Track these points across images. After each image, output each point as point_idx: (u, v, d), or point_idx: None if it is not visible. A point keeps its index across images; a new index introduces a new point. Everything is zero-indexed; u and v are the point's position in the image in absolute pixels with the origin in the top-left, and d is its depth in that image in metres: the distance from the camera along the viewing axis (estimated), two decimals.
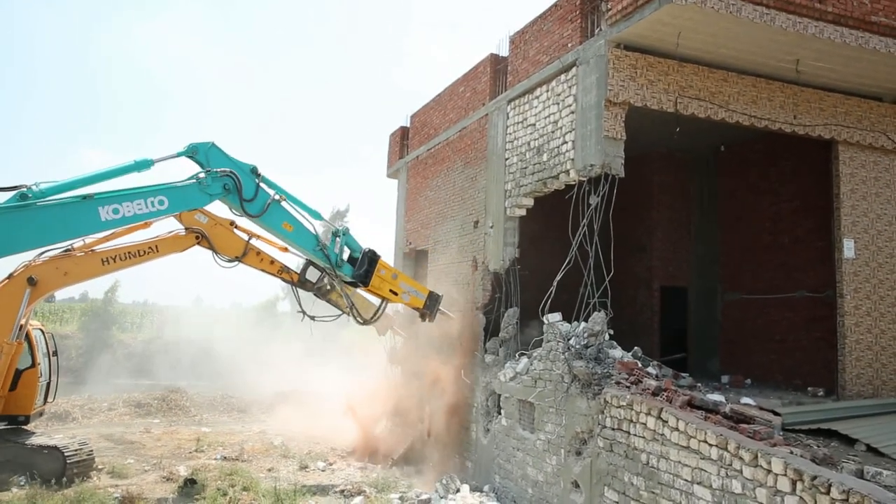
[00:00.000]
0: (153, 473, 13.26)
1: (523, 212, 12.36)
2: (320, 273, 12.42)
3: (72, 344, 36.24)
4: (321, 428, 18.45)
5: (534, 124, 11.76)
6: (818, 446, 7.92)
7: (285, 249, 12.80)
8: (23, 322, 11.05)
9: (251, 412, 22.71)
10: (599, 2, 10.24)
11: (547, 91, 11.41)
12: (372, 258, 11.80)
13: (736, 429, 7.05)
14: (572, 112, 10.63)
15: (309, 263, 12.55)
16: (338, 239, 11.70)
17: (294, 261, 13.35)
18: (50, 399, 13.63)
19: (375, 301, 12.82)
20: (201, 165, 10.49)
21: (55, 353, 13.60)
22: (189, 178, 10.27)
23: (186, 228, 11.84)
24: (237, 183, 10.42)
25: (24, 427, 12.51)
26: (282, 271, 12.48)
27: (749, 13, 8.71)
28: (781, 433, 7.85)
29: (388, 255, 19.91)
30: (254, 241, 12.43)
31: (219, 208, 11.16)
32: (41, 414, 14.17)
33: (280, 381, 25.71)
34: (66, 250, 11.21)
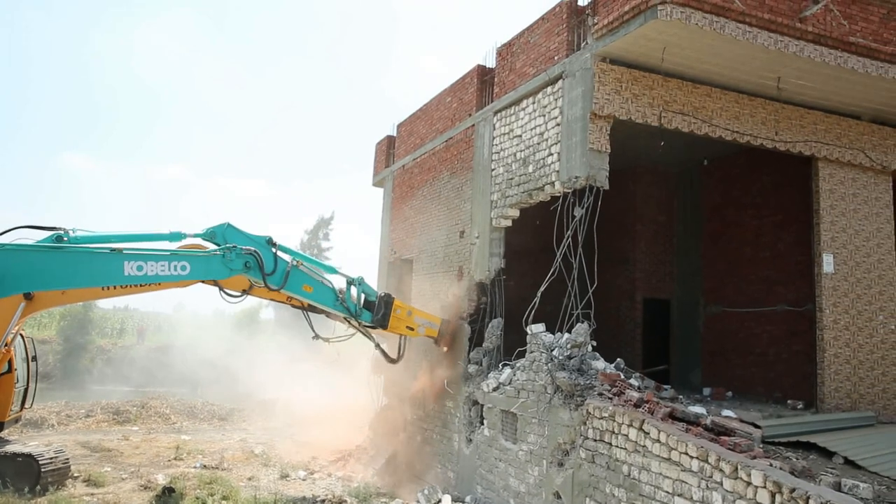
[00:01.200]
0: (131, 482, 13.06)
1: (509, 222, 12.41)
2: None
3: (50, 349, 35.68)
4: (303, 437, 18.32)
5: (520, 136, 11.83)
6: (797, 459, 8.01)
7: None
8: (13, 333, 10.98)
9: (232, 420, 22.47)
10: (586, 16, 10.37)
11: (533, 103, 11.50)
12: (388, 301, 12.41)
13: (717, 441, 7.11)
14: (558, 124, 10.72)
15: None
16: (353, 288, 12.22)
17: None
18: (27, 405, 13.39)
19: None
20: (219, 245, 11.03)
21: (34, 359, 13.38)
22: (216, 250, 10.84)
23: None
24: (259, 261, 10.88)
25: None
26: (291, 298, 12.53)
27: (732, 30, 8.86)
28: (761, 446, 7.91)
29: (372, 264, 19.95)
30: None
31: None
32: (17, 420, 13.92)
33: (262, 389, 25.50)
34: None
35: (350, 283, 12.24)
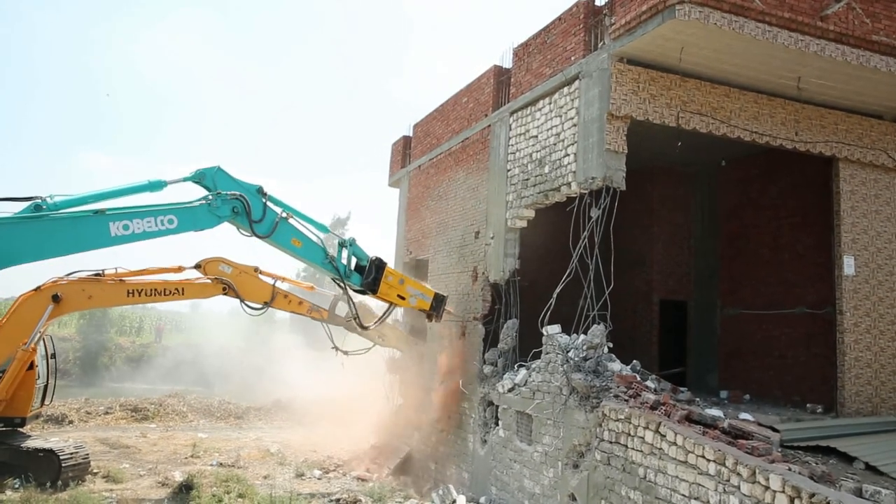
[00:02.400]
0: (148, 478, 13.21)
1: (524, 223, 12.38)
2: (350, 309, 12.68)
3: (70, 347, 36.20)
4: (318, 436, 18.41)
5: (536, 136, 11.80)
6: (817, 463, 7.90)
7: (311, 288, 13.09)
8: (39, 334, 11.14)
9: (248, 419, 22.64)
10: (603, 16, 10.32)
11: (550, 103, 11.47)
12: (379, 266, 12.06)
13: (734, 444, 7.04)
14: (574, 125, 10.68)
15: (337, 300, 12.92)
16: (345, 249, 11.93)
17: (315, 298, 13.75)
18: (47, 401, 13.62)
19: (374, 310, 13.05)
20: (209, 189, 10.81)
21: (53, 356, 13.60)
22: (199, 199, 10.52)
23: (214, 278, 11.91)
24: (246, 206, 10.69)
25: (20, 429, 12.49)
26: (311, 310, 12.68)
27: (751, 30, 8.77)
28: (780, 449, 7.82)
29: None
30: (279, 284, 12.59)
31: (233, 240, 11.21)
32: (38, 416, 14.15)
33: (277, 388, 25.66)
34: (96, 274, 11.40)
35: (342, 244, 11.99)
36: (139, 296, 11.33)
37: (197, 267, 12.12)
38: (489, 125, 13.64)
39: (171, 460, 15.20)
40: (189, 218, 10.37)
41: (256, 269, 12.54)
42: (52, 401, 14.20)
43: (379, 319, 13.05)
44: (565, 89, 11.01)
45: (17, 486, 11.36)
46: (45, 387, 13.25)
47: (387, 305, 12.97)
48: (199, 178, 10.81)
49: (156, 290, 11.49)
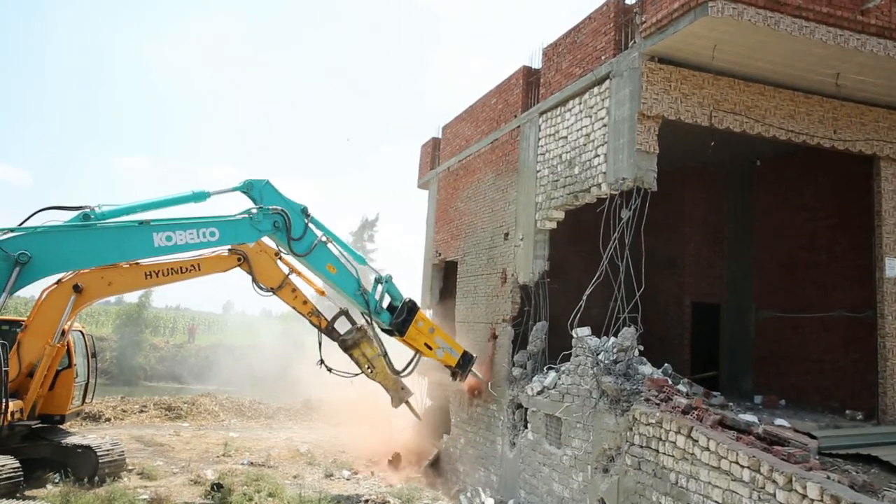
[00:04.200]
0: (181, 476, 13.43)
1: (554, 224, 12.28)
2: (350, 326, 12.15)
3: (106, 346, 37.10)
4: (347, 436, 18.51)
5: (566, 137, 11.71)
6: (857, 472, 7.66)
7: (322, 293, 12.88)
8: (66, 327, 11.39)
9: (278, 419, 22.91)
10: (633, 14, 10.19)
11: (579, 104, 11.36)
12: (412, 308, 11.92)
13: (769, 450, 6.87)
14: (605, 125, 10.56)
15: (342, 313, 12.34)
16: (380, 285, 11.87)
17: (323, 305, 13.29)
18: (88, 399, 13.94)
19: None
20: (254, 201, 11.03)
21: (94, 355, 13.91)
22: (241, 213, 10.69)
23: (230, 249, 11.97)
24: (287, 221, 10.80)
25: (60, 426, 12.82)
26: (312, 314, 12.09)
27: (787, 26, 8.56)
28: (818, 457, 7.60)
29: (416, 266, 20.05)
30: (293, 278, 12.22)
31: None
32: (78, 414, 14.49)
33: (307, 388, 25.89)
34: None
35: (378, 280, 11.89)
36: (157, 277, 11.33)
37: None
38: (518, 126, 13.57)
39: (203, 459, 15.44)
40: (231, 231, 10.59)
41: (277, 254, 12.17)
42: (92, 399, 14.54)
43: (408, 366, 12.43)
44: (595, 89, 10.90)
45: (56, 480, 11.67)
46: (86, 385, 13.57)
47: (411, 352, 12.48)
48: (247, 188, 11.02)
49: (172, 269, 11.38)
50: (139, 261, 11.45)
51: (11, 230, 9.47)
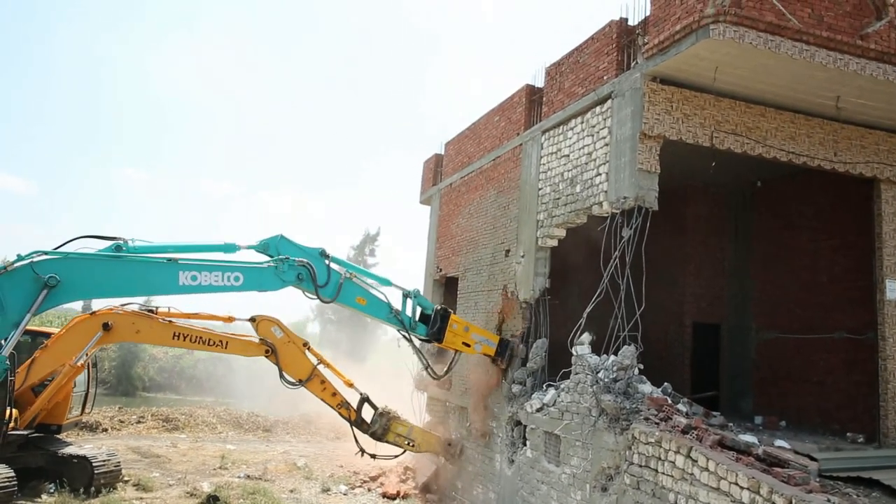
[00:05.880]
0: (177, 488, 13.37)
1: (555, 242, 12.31)
2: (376, 416, 12.70)
3: (105, 356, 36.96)
4: (345, 451, 18.39)
5: (568, 155, 11.78)
6: (858, 496, 7.62)
7: (350, 384, 13.05)
8: (85, 356, 11.46)
9: (276, 432, 22.81)
10: (636, 35, 10.30)
11: (582, 122, 11.45)
12: (444, 315, 12.20)
13: (769, 472, 6.83)
14: (606, 144, 10.64)
15: (365, 401, 12.76)
16: (409, 301, 12.10)
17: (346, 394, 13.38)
18: (87, 409, 13.92)
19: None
20: (272, 258, 11.09)
21: (94, 365, 13.91)
22: (266, 261, 10.91)
23: (260, 339, 12.03)
24: (312, 272, 10.97)
25: (57, 436, 12.78)
26: (341, 406, 12.43)
27: (788, 49, 8.65)
28: (818, 479, 7.56)
29: (418, 281, 20.04)
30: (321, 368, 12.46)
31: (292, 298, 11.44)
32: (77, 423, 14.46)
33: (306, 401, 25.75)
34: (149, 310, 11.77)
35: (406, 295, 12.15)
36: (184, 340, 11.58)
37: (251, 321, 12.15)
38: (521, 144, 13.66)
39: (199, 471, 15.37)
40: (255, 278, 10.76)
41: (306, 345, 12.44)
42: (91, 409, 14.51)
43: (447, 368, 12.95)
44: (598, 108, 10.99)
45: (51, 490, 11.61)
46: (85, 395, 13.56)
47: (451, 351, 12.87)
48: (263, 248, 11.29)
49: (200, 338, 11.64)
50: (174, 319, 11.60)
51: (45, 253, 9.68)
